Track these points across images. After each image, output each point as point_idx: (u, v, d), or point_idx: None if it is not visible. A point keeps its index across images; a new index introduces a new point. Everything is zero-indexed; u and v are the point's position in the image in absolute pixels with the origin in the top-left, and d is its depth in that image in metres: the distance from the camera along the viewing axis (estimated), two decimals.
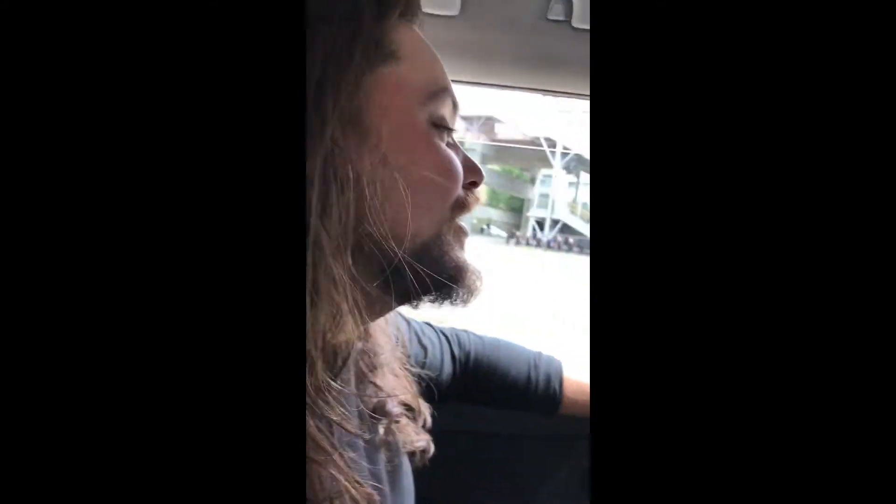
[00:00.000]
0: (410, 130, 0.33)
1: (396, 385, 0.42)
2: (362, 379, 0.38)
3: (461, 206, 0.36)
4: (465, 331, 0.64)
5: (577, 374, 0.63)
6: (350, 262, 0.30)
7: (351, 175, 0.30)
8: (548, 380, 0.62)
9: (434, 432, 0.44)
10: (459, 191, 0.35)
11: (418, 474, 0.43)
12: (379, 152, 0.31)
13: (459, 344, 0.62)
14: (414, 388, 0.44)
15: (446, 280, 0.34)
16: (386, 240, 0.31)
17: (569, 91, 0.57)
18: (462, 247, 0.36)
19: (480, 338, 0.64)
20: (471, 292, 0.36)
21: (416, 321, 0.59)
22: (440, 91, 0.34)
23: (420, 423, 0.44)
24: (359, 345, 0.31)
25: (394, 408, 0.40)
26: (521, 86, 0.59)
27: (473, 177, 0.37)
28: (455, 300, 0.36)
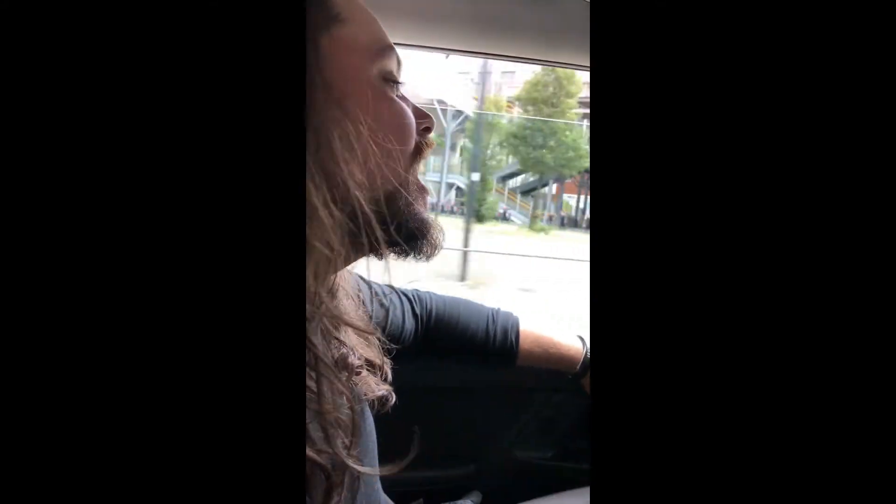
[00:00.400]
0: (366, 86, 0.34)
1: (358, 342, 0.44)
2: (326, 335, 0.39)
3: (418, 151, 0.38)
4: (427, 291, 0.65)
5: (532, 327, 0.67)
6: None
7: (319, 131, 0.31)
8: (505, 333, 0.66)
9: (395, 388, 0.46)
10: (415, 137, 0.37)
11: (382, 432, 0.45)
12: (341, 108, 0.32)
13: (420, 303, 0.64)
14: (375, 344, 0.46)
15: (412, 232, 0.37)
16: (358, 189, 0.32)
17: (522, 56, 0.58)
18: (425, 204, 0.39)
19: (441, 297, 0.66)
20: (434, 247, 0.39)
21: (376, 283, 0.59)
22: (386, 48, 0.36)
23: (381, 376, 0.46)
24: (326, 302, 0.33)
25: (355, 361, 0.41)
26: (468, 50, 0.59)
27: (426, 122, 0.39)
28: (419, 254, 0.38)
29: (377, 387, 0.44)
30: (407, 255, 0.38)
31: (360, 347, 0.44)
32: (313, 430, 0.30)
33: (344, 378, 0.39)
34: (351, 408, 0.35)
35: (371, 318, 0.53)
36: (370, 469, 0.39)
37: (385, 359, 0.47)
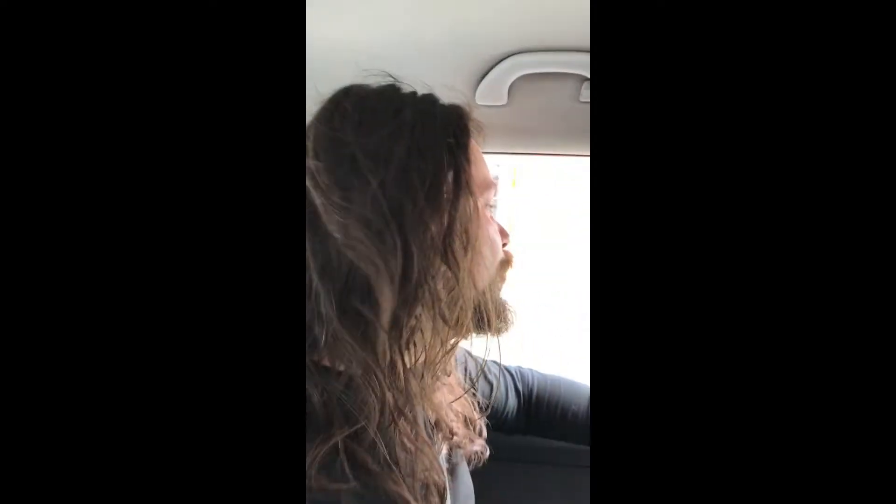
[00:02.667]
0: (479, 214, 0.44)
1: (452, 401, 0.51)
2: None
3: (505, 262, 0.48)
4: (529, 368, 0.71)
5: None
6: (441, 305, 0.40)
7: (448, 251, 0.40)
8: None
9: (493, 460, 0.51)
10: (502, 251, 0.47)
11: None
12: (463, 231, 0.42)
13: (523, 380, 0.69)
14: (469, 403, 0.53)
15: (496, 316, 0.45)
16: (470, 289, 0.42)
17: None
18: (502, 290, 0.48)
19: (543, 375, 0.71)
20: (508, 325, 0.47)
21: (482, 358, 0.67)
22: (490, 184, 0.47)
23: (475, 430, 0.52)
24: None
25: (451, 421, 0.48)
26: (559, 153, 0.70)
27: (505, 238, 0.49)
28: (495, 332, 0.47)
29: (472, 442, 0.51)
30: (486, 333, 0.46)
31: (456, 406, 0.51)
32: (408, 489, 0.36)
33: (439, 438, 0.47)
34: (444, 469, 0.42)
35: (476, 389, 0.60)
36: (465, 476, 0.45)
37: (478, 414, 0.54)
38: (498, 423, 0.65)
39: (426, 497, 0.38)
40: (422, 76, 0.44)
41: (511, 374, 0.69)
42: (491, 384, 0.66)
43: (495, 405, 0.64)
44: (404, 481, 0.36)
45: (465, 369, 0.60)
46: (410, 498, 0.36)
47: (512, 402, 0.67)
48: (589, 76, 0.56)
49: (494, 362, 0.69)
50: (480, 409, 0.55)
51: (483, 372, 0.66)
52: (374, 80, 0.43)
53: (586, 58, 0.54)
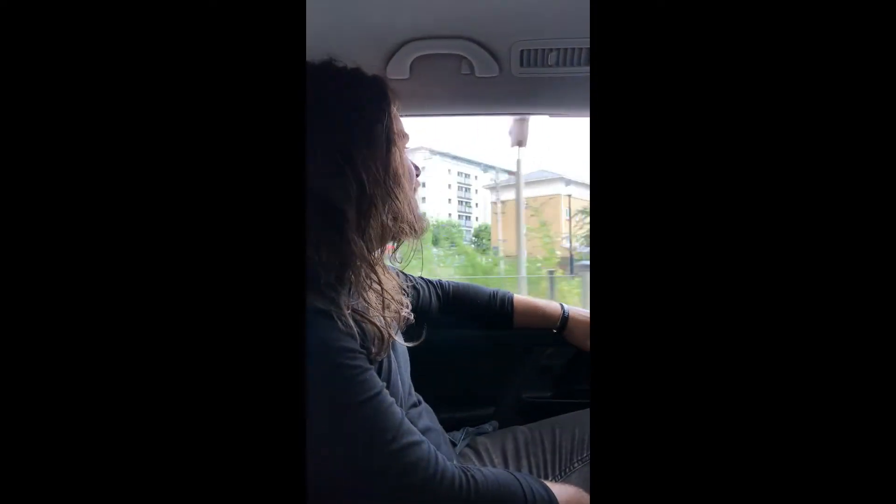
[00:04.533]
0: (402, 156, 0.66)
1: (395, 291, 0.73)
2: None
3: (417, 186, 0.70)
4: (449, 280, 0.97)
5: (523, 298, 0.96)
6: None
7: (385, 181, 0.61)
8: (503, 303, 0.96)
9: (426, 343, 0.75)
10: (415, 181, 0.69)
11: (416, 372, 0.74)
12: (393, 168, 0.63)
13: (442, 287, 0.95)
14: (403, 294, 0.76)
15: (416, 220, 0.67)
16: (398, 204, 0.63)
17: (479, 112, 0.93)
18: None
19: (456, 283, 0.96)
20: (425, 227, 0.68)
21: (412, 276, 0.91)
22: (406, 135, 0.68)
23: (406, 307, 0.75)
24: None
25: (394, 297, 0.70)
26: (449, 113, 0.94)
27: (418, 171, 0.71)
28: (419, 232, 0.67)
29: (405, 308, 0.74)
30: (412, 235, 0.67)
31: (395, 294, 0.73)
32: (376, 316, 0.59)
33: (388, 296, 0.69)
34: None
35: (407, 294, 0.83)
36: (401, 341, 0.68)
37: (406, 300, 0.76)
38: (425, 318, 0.88)
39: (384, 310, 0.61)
40: (351, 58, 0.63)
41: (433, 284, 0.94)
42: (418, 290, 0.89)
43: (422, 304, 0.88)
44: (378, 313, 0.59)
45: (398, 279, 0.82)
46: (381, 325, 0.58)
47: (434, 301, 0.92)
48: (466, 56, 0.79)
49: (422, 278, 0.93)
50: (411, 303, 0.78)
51: (413, 283, 0.89)
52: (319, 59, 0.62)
53: (465, 43, 0.76)
